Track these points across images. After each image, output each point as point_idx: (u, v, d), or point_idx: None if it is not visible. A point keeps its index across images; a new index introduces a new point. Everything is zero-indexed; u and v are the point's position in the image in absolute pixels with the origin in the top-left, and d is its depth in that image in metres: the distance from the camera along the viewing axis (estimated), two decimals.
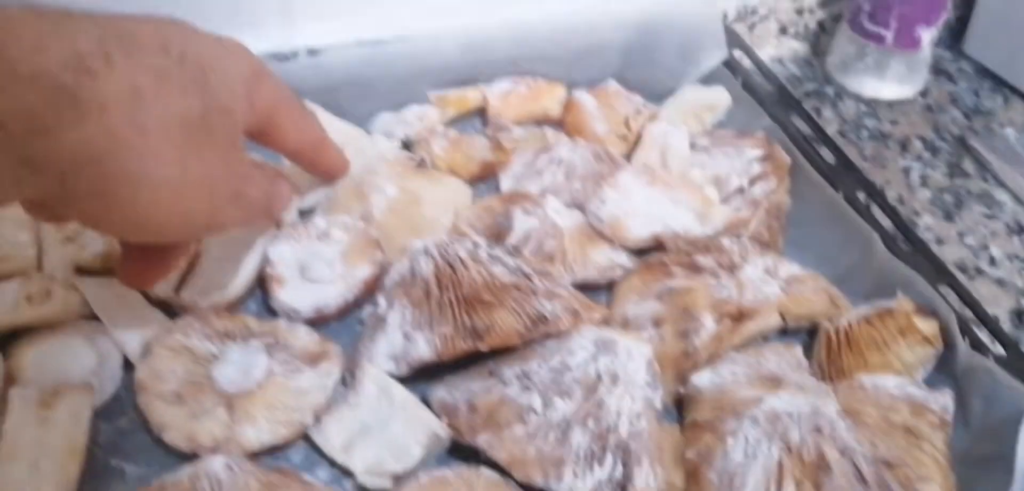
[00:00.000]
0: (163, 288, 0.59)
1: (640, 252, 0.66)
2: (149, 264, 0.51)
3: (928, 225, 0.74)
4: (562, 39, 0.77)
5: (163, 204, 0.43)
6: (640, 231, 0.65)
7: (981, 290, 0.69)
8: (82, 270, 0.60)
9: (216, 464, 0.48)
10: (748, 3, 0.86)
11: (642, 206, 0.67)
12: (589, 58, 0.78)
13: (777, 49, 0.90)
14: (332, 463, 0.53)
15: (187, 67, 0.43)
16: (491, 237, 0.64)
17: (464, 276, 0.59)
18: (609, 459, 0.52)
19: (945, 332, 0.60)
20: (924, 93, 0.87)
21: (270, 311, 0.60)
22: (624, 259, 0.65)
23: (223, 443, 0.51)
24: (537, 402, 0.53)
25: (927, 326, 0.59)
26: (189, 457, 0.51)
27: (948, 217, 0.75)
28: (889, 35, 0.82)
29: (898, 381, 0.57)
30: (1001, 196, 0.77)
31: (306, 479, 0.50)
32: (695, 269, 0.63)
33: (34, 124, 0.37)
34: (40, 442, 0.49)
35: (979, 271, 0.70)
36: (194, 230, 0.48)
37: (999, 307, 0.67)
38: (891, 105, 0.85)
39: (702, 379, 0.57)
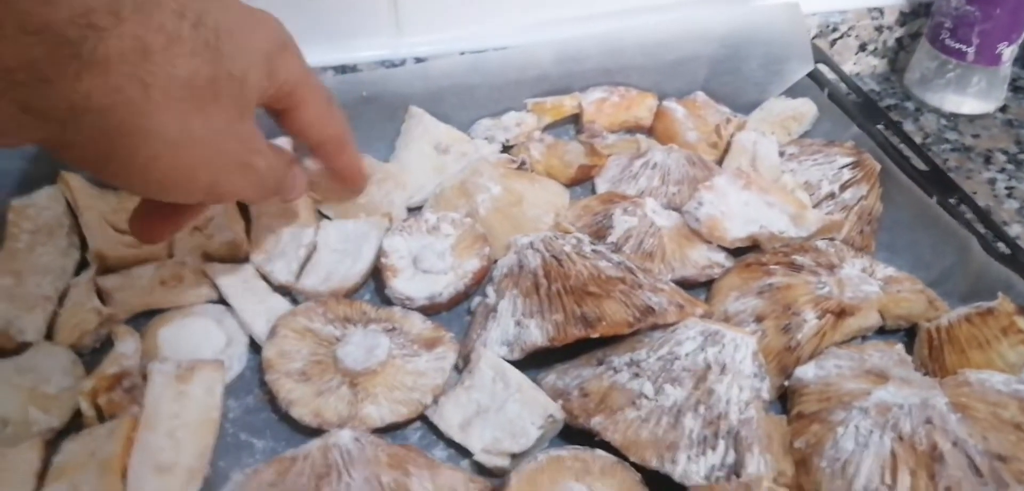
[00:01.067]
0: (284, 275, 0.60)
1: (736, 252, 0.66)
2: (159, 219, 0.50)
3: (1017, 234, 0.72)
4: (652, 51, 0.77)
5: (162, 160, 0.42)
6: (737, 231, 0.65)
7: None
8: (209, 257, 0.61)
9: (345, 437, 0.48)
10: (829, 20, 0.86)
11: (738, 208, 0.66)
12: (678, 70, 0.78)
13: (856, 65, 0.90)
14: (449, 443, 0.53)
15: (201, 31, 0.42)
16: (592, 235, 0.64)
17: (571, 269, 0.59)
18: (721, 445, 0.51)
19: None
20: (1003, 108, 0.86)
21: (384, 301, 0.61)
22: (722, 258, 0.65)
23: (347, 420, 0.51)
24: (648, 388, 0.53)
25: None
26: (314, 433, 0.51)
27: None
28: (970, 51, 0.81)
29: (1005, 378, 0.55)
30: None
31: (429, 456, 0.51)
32: (794, 268, 0.62)
33: (37, 74, 0.37)
34: (177, 414, 0.50)
35: None
36: (197, 191, 0.46)
37: None
38: (971, 120, 0.84)
39: (807, 372, 0.56)
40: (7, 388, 0.51)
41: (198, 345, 0.55)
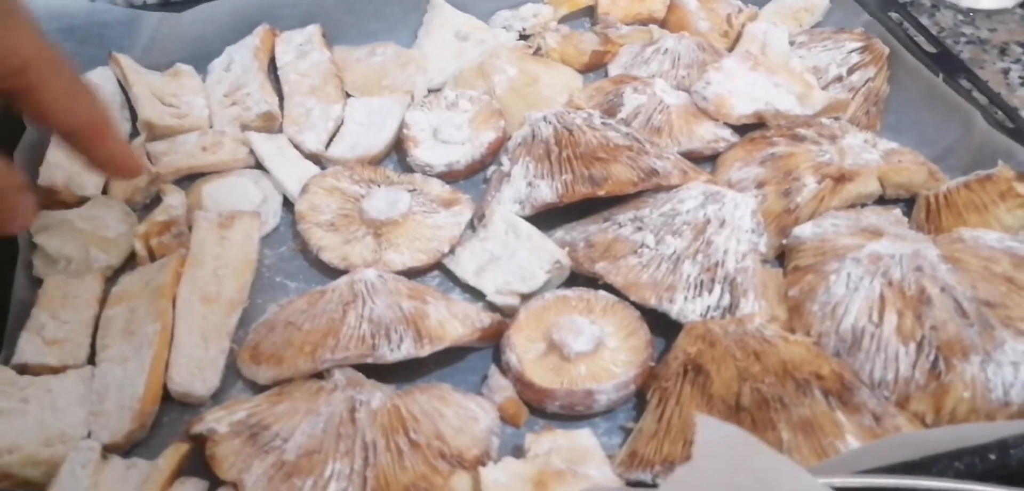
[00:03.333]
0: (314, 145, 0.65)
1: (742, 129, 0.70)
2: None
3: None
4: None
5: None
6: (743, 108, 0.69)
7: None
8: (246, 127, 0.67)
9: (369, 273, 0.54)
10: None
11: (745, 88, 0.71)
12: None
13: None
14: (464, 288, 0.58)
15: None
16: (603, 112, 0.69)
17: (581, 138, 0.64)
18: (717, 288, 0.56)
19: None
20: (1023, 4, 0.89)
21: (406, 169, 0.66)
22: (727, 133, 0.69)
23: (372, 264, 0.57)
24: (650, 239, 0.58)
25: None
26: (341, 275, 0.57)
27: None
28: None
29: (998, 235, 0.59)
30: None
31: (442, 292, 0.56)
32: (797, 139, 0.67)
33: None
34: (219, 255, 0.56)
35: None
36: None
37: None
38: (989, 15, 0.87)
39: (804, 230, 0.61)
40: (70, 233, 0.57)
41: (237, 200, 0.61)
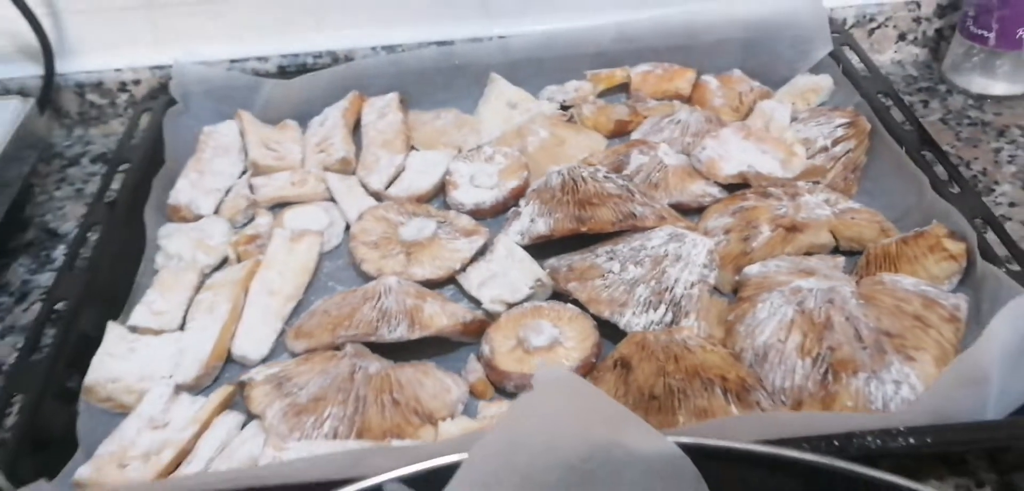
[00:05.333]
0: (377, 184, 0.81)
1: (731, 189, 0.81)
2: None
3: (1004, 192, 0.82)
4: (695, 33, 0.93)
5: None
6: (729, 169, 0.80)
7: None
8: (327, 169, 0.84)
9: (391, 279, 0.69)
10: (865, 11, 0.98)
11: (735, 152, 0.81)
12: (716, 49, 0.94)
13: (897, 53, 1.01)
14: (470, 298, 0.72)
15: None
16: (611, 169, 0.82)
17: (582, 187, 0.77)
18: (663, 308, 0.67)
19: (971, 253, 0.69)
20: None
21: (445, 207, 0.81)
22: (715, 190, 0.80)
23: (400, 273, 0.72)
24: (616, 267, 0.70)
25: (954, 246, 0.69)
26: None
27: None
28: (991, 37, 0.91)
29: (915, 281, 0.68)
30: None
31: (447, 297, 0.70)
32: (766, 196, 0.77)
33: None
34: (286, 261, 0.73)
35: None
36: None
37: None
38: (999, 100, 0.93)
39: (752, 269, 0.71)
40: (185, 239, 0.75)
41: (309, 222, 0.78)
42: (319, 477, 0.51)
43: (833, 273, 0.69)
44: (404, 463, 0.50)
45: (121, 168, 0.80)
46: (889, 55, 1.01)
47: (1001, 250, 0.69)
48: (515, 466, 0.48)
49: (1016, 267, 0.67)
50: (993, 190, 0.82)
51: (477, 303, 0.71)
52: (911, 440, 0.54)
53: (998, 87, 0.94)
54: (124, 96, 0.95)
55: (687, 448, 0.49)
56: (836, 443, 0.54)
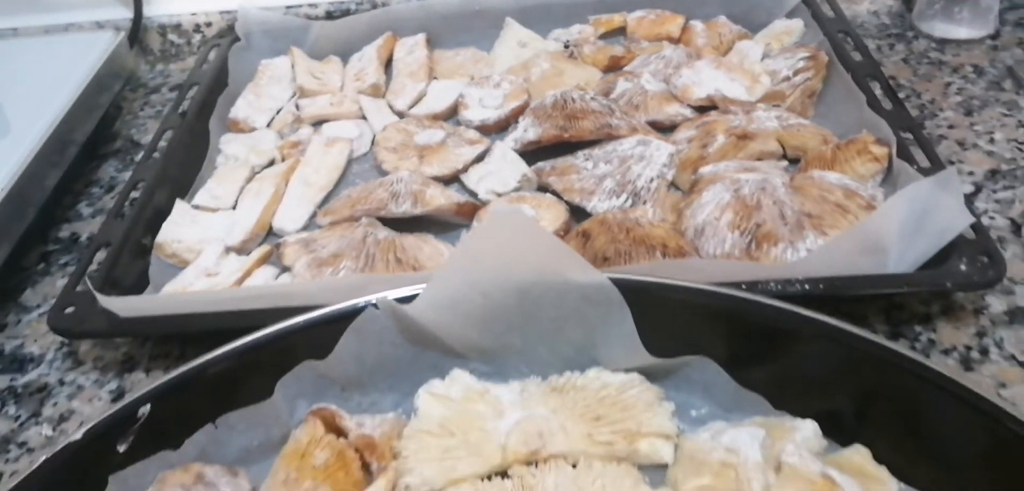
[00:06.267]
0: (401, 105, 0.96)
1: (701, 111, 0.93)
2: None
3: (946, 117, 0.92)
4: None
5: None
6: (700, 93, 0.92)
7: (971, 157, 0.87)
8: (361, 93, 0.99)
9: (403, 173, 0.83)
10: None
11: (707, 80, 0.94)
12: None
13: (873, 4, 1.11)
14: (469, 193, 0.86)
15: None
16: (600, 94, 0.95)
17: (570, 105, 0.90)
18: (624, 196, 0.80)
19: (893, 157, 0.80)
20: (995, 36, 1.04)
21: (457, 123, 0.95)
22: (687, 112, 0.92)
23: (413, 171, 0.86)
24: (590, 165, 0.83)
25: (878, 150, 0.81)
26: None
27: (967, 113, 0.93)
28: None
29: (839, 176, 0.79)
30: None
31: (448, 191, 0.85)
32: (727, 113, 0.89)
33: None
34: (321, 160, 0.88)
35: (976, 146, 0.89)
36: None
37: (978, 167, 0.86)
38: (959, 44, 1.03)
39: (706, 169, 0.83)
40: (241, 145, 0.91)
41: (342, 133, 0.92)
42: (330, 298, 0.65)
43: (772, 170, 0.81)
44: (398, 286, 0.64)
45: (191, 90, 0.96)
46: (866, 5, 1.11)
47: (923, 159, 0.80)
48: (475, 285, 0.61)
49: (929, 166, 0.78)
50: (936, 115, 0.93)
51: (474, 195, 0.85)
52: (806, 287, 0.66)
53: (959, 32, 1.04)
54: (198, 36, 1.13)
55: (615, 283, 0.62)
56: (743, 287, 0.66)
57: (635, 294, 0.61)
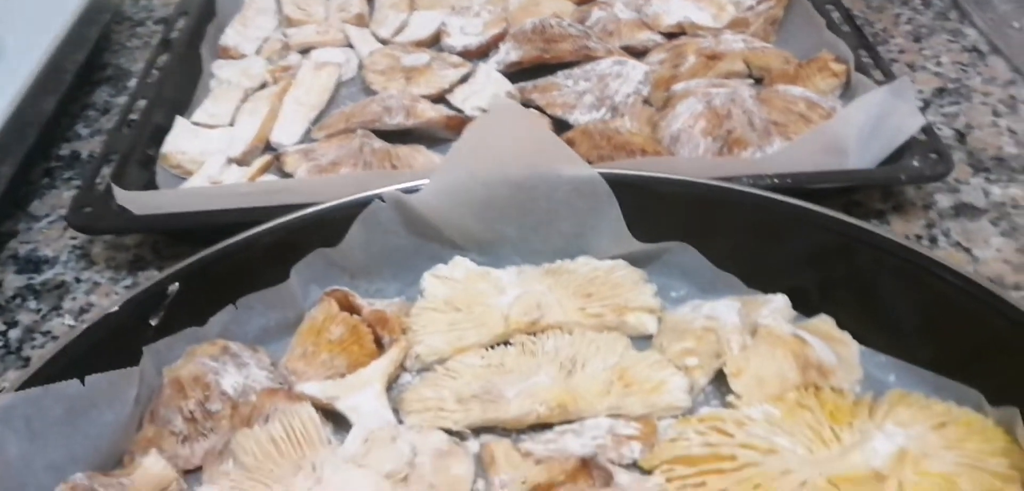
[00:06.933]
0: (385, 33, 1.00)
1: (671, 37, 0.99)
2: None
3: (897, 42, 1.00)
4: None
5: None
6: (669, 20, 0.98)
7: (920, 78, 0.94)
8: (346, 22, 1.03)
9: (393, 90, 0.88)
10: None
11: (676, 8, 0.99)
12: None
13: None
14: (455, 109, 0.91)
15: None
16: (575, 21, 1.00)
17: (549, 30, 0.95)
18: (603, 109, 0.86)
19: (851, 74, 0.87)
20: None
21: (440, 50, 1.00)
22: (657, 37, 0.98)
23: (402, 88, 0.91)
24: (570, 83, 0.89)
25: (837, 66, 0.87)
26: None
27: (916, 40, 1.00)
28: None
29: (802, 90, 0.86)
30: (969, 31, 1.01)
31: (438, 106, 0.89)
32: (695, 36, 0.95)
33: None
34: (312, 82, 0.92)
35: (924, 68, 0.96)
36: None
37: (927, 86, 0.93)
38: None
39: (678, 85, 0.89)
40: (233, 70, 0.95)
41: (330, 57, 0.97)
42: (336, 194, 0.69)
43: (741, 85, 0.87)
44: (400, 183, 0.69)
45: (180, 19, 0.99)
46: None
47: (879, 77, 0.86)
48: (476, 174, 0.66)
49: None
50: (887, 42, 1.00)
51: (460, 112, 0.90)
52: (775, 181, 0.72)
53: None
54: None
55: (604, 176, 0.67)
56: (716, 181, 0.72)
57: (621, 187, 0.67)
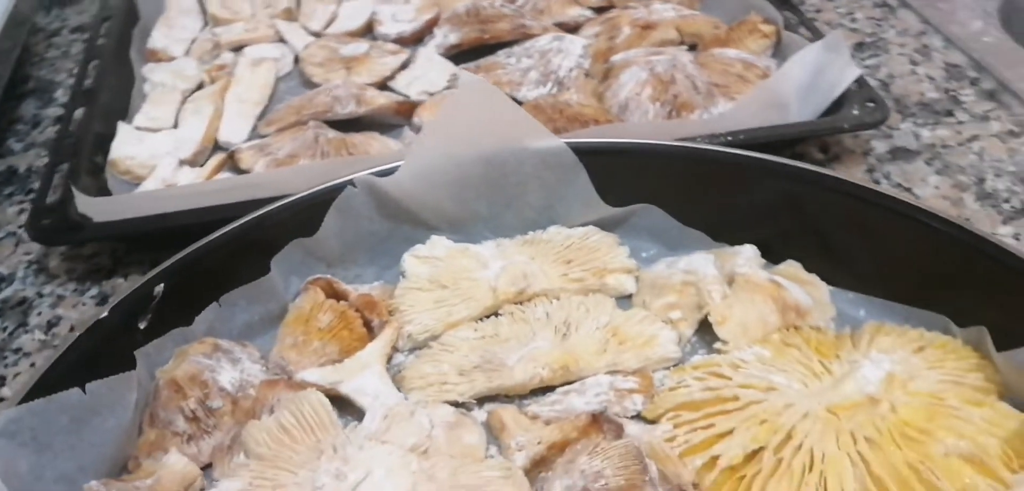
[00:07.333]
0: (316, 26, 0.99)
1: (599, 11, 1.01)
2: None
3: (813, 3, 1.05)
4: None
5: None
6: None
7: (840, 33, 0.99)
8: (275, 18, 1.01)
9: (336, 80, 0.88)
10: None
11: None
12: None
13: None
14: (400, 95, 0.91)
15: None
16: (506, 1, 1.01)
17: (483, 12, 0.96)
18: (549, 85, 0.88)
19: (780, 33, 0.91)
20: None
21: (375, 39, 1.00)
22: (587, 12, 1.00)
23: (344, 79, 0.90)
24: (513, 61, 0.90)
25: (766, 27, 0.91)
26: None
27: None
28: None
29: (738, 52, 0.89)
30: None
31: (386, 92, 0.89)
32: (626, 8, 0.98)
33: None
34: (251, 79, 0.90)
35: (841, 24, 1.01)
36: None
37: (846, 41, 0.97)
38: None
39: (617, 56, 0.92)
40: (166, 73, 0.92)
41: (265, 53, 0.95)
42: (302, 184, 0.69)
43: (678, 54, 0.90)
44: (366, 168, 0.69)
45: (104, 24, 0.96)
46: None
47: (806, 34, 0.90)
48: (448, 153, 0.67)
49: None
50: (804, 3, 1.05)
51: (406, 98, 0.90)
52: (729, 138, 0.75)
53: None
54: None
55: (570, 146, 0.69)
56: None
57: (586, 155, 0.68)
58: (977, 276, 0.59)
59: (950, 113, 0.84)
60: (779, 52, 0.90)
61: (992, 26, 0.97)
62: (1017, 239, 0.70)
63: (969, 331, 0.58)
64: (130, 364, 0.55)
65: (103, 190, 0.76)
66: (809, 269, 0.66)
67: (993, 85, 0.88)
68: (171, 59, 0.95)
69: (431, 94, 0.88)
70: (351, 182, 0.66)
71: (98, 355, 0.55)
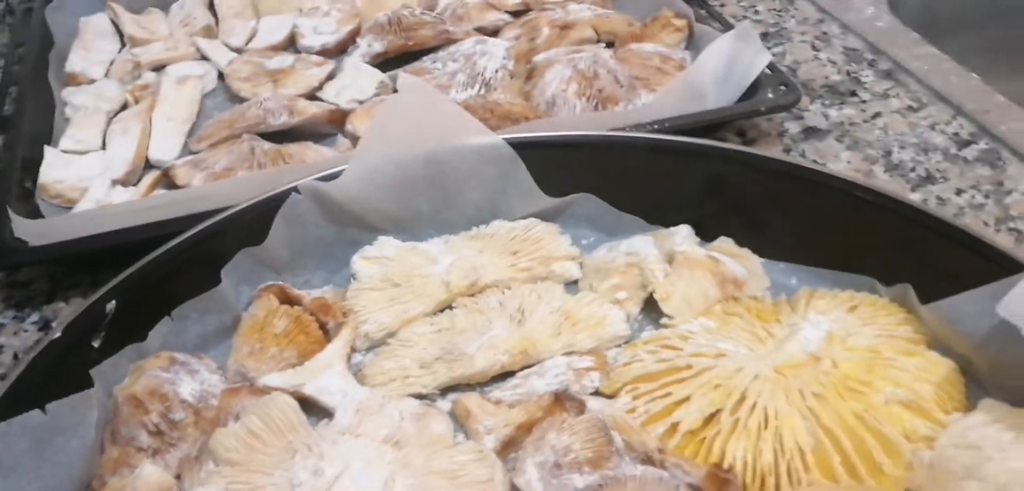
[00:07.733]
0: (236, 42, 0.99)
1: (516, 15, 1.03)
2: None
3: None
4: None
5: None
6: None
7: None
8: (194, 36, 1.00)
9: (267, 94, 0.87)
10: None
11: None
12: None
13: None
14: (330, 105, 0.91)
15: None
16: (425, 9, 1.03)
17: (405, 20, 0.97)
18: (477, 86, 0.89)
19: (692, 26, 0.95)
20: None
21: (297, 52, 1.00)
22: (505, 16, 1.02)
23: (272, 92, 0.90)
24: (438, 65, 0.91)
25: (678, 21, 0.95)
26: None
27: None
28: None
29: (655, 46, 0.93)
30: None
31: (317, 101, 0.89)
32: (545, 10, 1.00)
33: None
34: (177, 97, 0.89)
35: (745, 17, 1.06)
36: None
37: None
38: None
39: (539, 57, 0.94)
40: (87, 95, 0.90)
41: (190, 72, 0.94)
42: (244, 195, 0.68)
43: (598, 51, 0.93)
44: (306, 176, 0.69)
45: (19, 51, 0.94)
46: None
47: (716, 25, 0.94)
48: (389, 155, 0.68)
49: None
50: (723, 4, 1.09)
51: (336, 106, 0.90)
52: (655, 127, 0.78)
53: None
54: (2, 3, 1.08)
55: (507, 141, 0.70)
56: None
57: (523, 150, 0.70)
58: (896, 238, 0.62)
59: (854, 93, 0.89)
60: (692, 44, 0.94)
61: (883, 11, 1.03)
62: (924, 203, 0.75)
63: (894, 289, 0.62)
64: (85, 384, 0.54)
65: (35, 214, 0.74)
66: (741, 244, 0.69)
67: (890, 65, 0.93)
68: (91, 81, 0.93)
69: (361, 102, 0.89)
70: (296, 189, 0.67)
71: (51, 377, 0.54)
